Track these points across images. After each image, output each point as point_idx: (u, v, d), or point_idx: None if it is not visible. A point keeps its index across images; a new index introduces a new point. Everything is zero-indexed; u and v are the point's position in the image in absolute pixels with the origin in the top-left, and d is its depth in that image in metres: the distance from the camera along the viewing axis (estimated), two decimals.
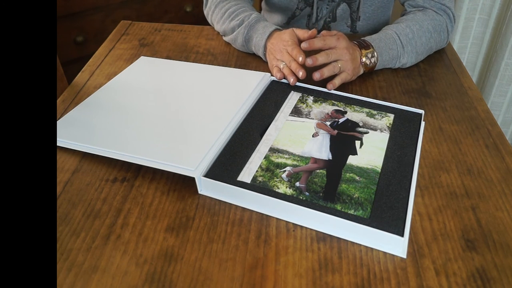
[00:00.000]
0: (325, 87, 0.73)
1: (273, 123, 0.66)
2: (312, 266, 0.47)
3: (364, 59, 0.76)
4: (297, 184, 0.55)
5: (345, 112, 0.68)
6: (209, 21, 0.96)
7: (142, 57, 0.84)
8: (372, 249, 0.49)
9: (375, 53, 0.77)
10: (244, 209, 0.54)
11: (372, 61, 0.77)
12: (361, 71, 0.78)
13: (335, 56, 0.73)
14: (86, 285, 0.45)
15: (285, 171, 0.57)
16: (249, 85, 0.73)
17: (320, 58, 0.72)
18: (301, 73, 0.72)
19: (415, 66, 0.84)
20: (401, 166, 0.58)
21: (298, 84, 0.74)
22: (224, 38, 0.91)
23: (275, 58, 0.77)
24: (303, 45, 0.73)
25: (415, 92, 0.76)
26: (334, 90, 0.73)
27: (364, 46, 0.77)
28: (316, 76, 0.72)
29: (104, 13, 1.58)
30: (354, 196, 0.53)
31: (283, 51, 0.76)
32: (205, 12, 0.96)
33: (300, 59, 0.72)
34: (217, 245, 0.49)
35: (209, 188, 0.55)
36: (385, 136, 0.64)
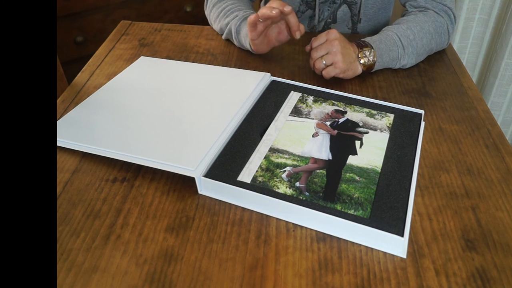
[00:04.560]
0: (325, 87, 0.73)
1: (273, 123, 0.66)
2: (312, 266, 0.47)
3: (362, 59, 0.76)
4: (297, 184, 0.55)
5: (345, 112, 0.68)
6: (209, 21, 0.96)
7: (142, 57, 0.84)
8: (372, 249, 0.49)
9: (372, 51, 0.77)
10: (244, 209, 0.54)
11: (371, 59, 0.76)
12: (359, 70, 0.77)
13: (324, 50, 0.74)
14: (86, 285, 0.45)
15: (285, 171, 0.57)
16: (249, 85, 0.73)
17: (312, 55, 0.76)
18: None
19: (415, 66, 0.84)
20: (401, 166, 0.58)
21: (298, 84, 0.74)
22: (222, 37, 0.91)
23: None
24: (308, 48, 0.78)
25: (415, 92, 0.76)
26: (333, 90, 0.73)
27: (363, 45, 0.77)
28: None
29: (104, 13, 1.58)
30: (354, 196, 0.53)
31: None
32: (206, 13, 0.96)
33: None
34: (217, 245, 0.49)
35: (209, 188, 0.55)
36: (385, 136, 0.64)
